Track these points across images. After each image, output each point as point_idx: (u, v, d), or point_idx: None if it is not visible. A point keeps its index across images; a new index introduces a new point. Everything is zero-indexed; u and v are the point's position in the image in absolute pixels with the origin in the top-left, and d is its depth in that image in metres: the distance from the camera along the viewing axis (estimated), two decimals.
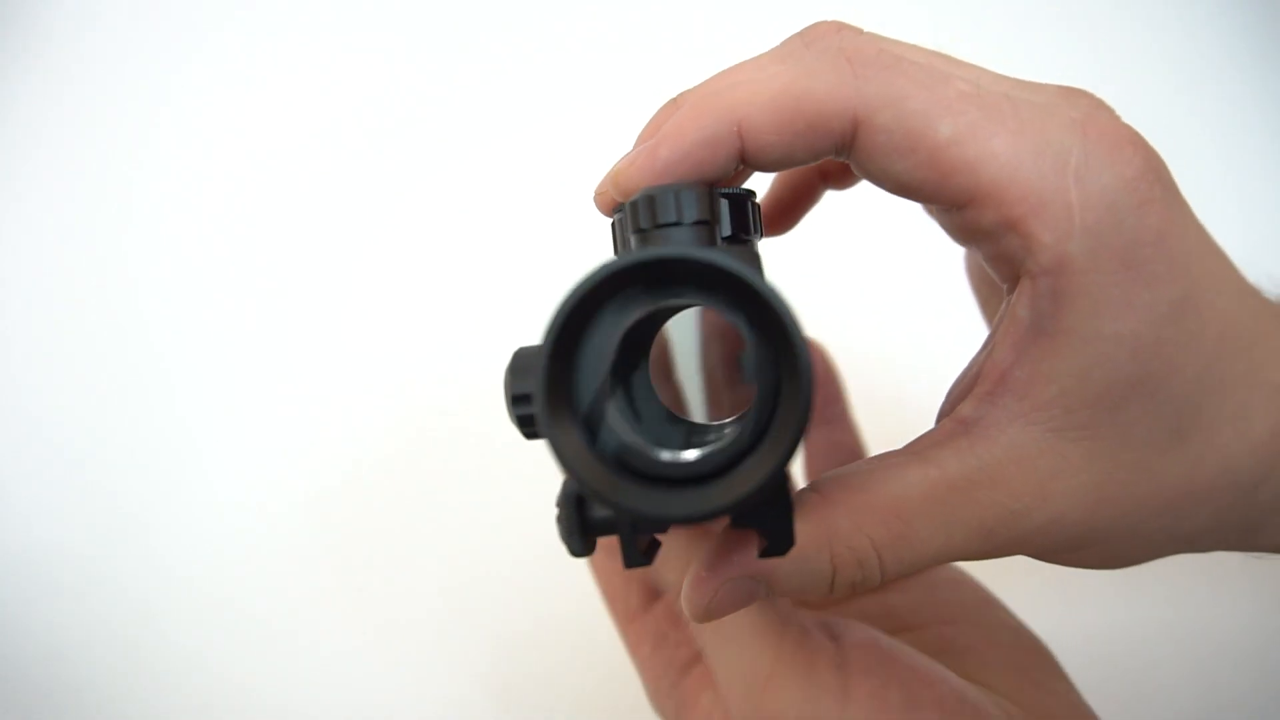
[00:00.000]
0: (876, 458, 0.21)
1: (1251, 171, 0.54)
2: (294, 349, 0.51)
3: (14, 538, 0.46)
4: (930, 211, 0.21)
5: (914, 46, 0.19)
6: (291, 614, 0.44)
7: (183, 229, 0.55)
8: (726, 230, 0.20)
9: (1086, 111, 0.18)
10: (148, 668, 0.43)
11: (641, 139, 0.21)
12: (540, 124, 0.58)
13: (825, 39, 0.19)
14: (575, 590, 0.43)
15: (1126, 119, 0.20)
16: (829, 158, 0.20)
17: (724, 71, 0.20)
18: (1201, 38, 0.59)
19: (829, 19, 0.20)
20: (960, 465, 0.19)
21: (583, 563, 0.35)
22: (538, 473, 0.44)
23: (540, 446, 0.18)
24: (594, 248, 0.51)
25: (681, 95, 0.21)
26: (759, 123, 0.19)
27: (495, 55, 0.58)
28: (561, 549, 0.22)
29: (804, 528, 0.19)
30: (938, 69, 0.18)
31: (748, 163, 0.20)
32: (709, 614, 0.20)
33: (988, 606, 0.27)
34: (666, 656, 0.26)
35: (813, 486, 0.20)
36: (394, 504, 0.46)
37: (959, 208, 0.19)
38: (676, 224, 0.19)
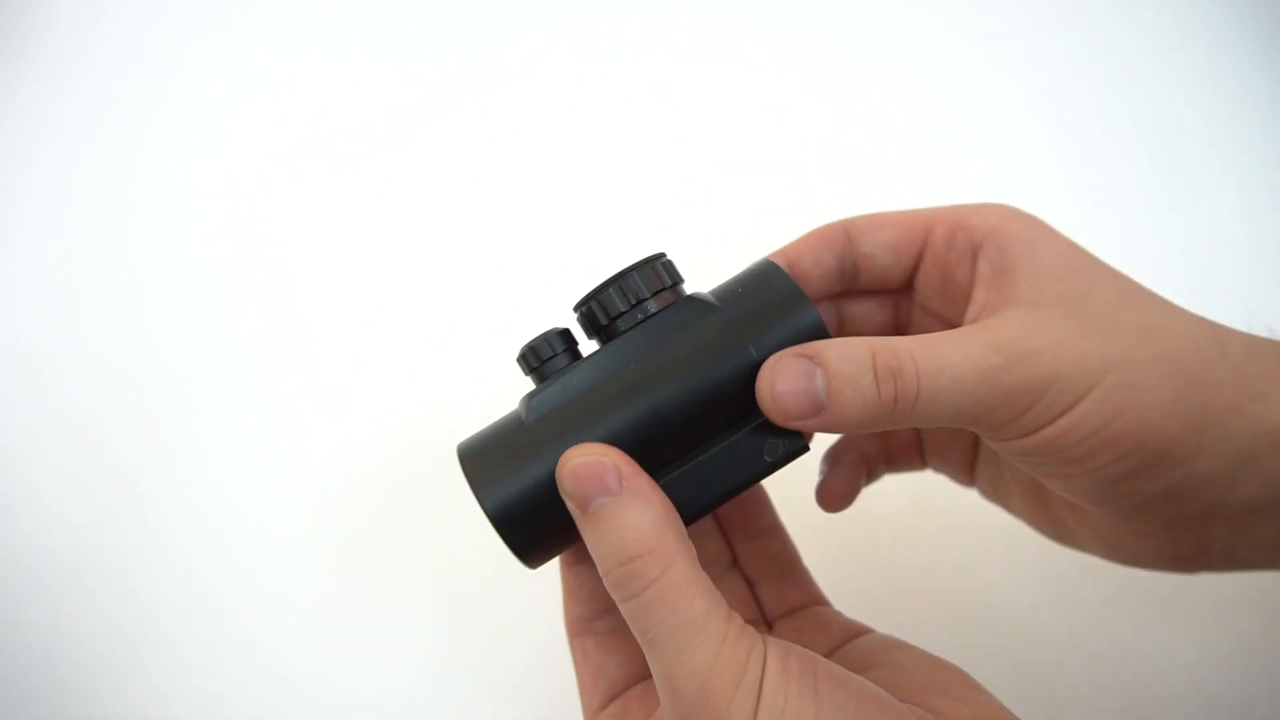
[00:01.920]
0: None
1: (1252, 171, 0.54)
2: (293, 350, 0.51)
3: (14, 538, 0.46)
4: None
5: None
6: (294, 614, 0.44)
7: (189, 230, 0.55)
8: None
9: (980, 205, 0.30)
10: (148, 668, 0.43)
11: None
12: (540, 130, 0.57)
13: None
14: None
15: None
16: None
17: None
18: (1202, 38, 0.59)
19: None
20: (970, 326, 0.26)
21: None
22: None
23: None
24: (594, 250, 0.52)
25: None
26: (795, 250, 0.31)
27: (504, 64, 0.58)
28: None
29: (843, 338, 0.25)
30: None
31: (859, 265, 0.31)
32: (772, 383, 0.25)
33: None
34: (607, 675, 0.29)
35: None
36: (397, 504, 0.46)
37: (924, 244, 0.30)
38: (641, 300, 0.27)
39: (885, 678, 0.25)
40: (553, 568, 0.30)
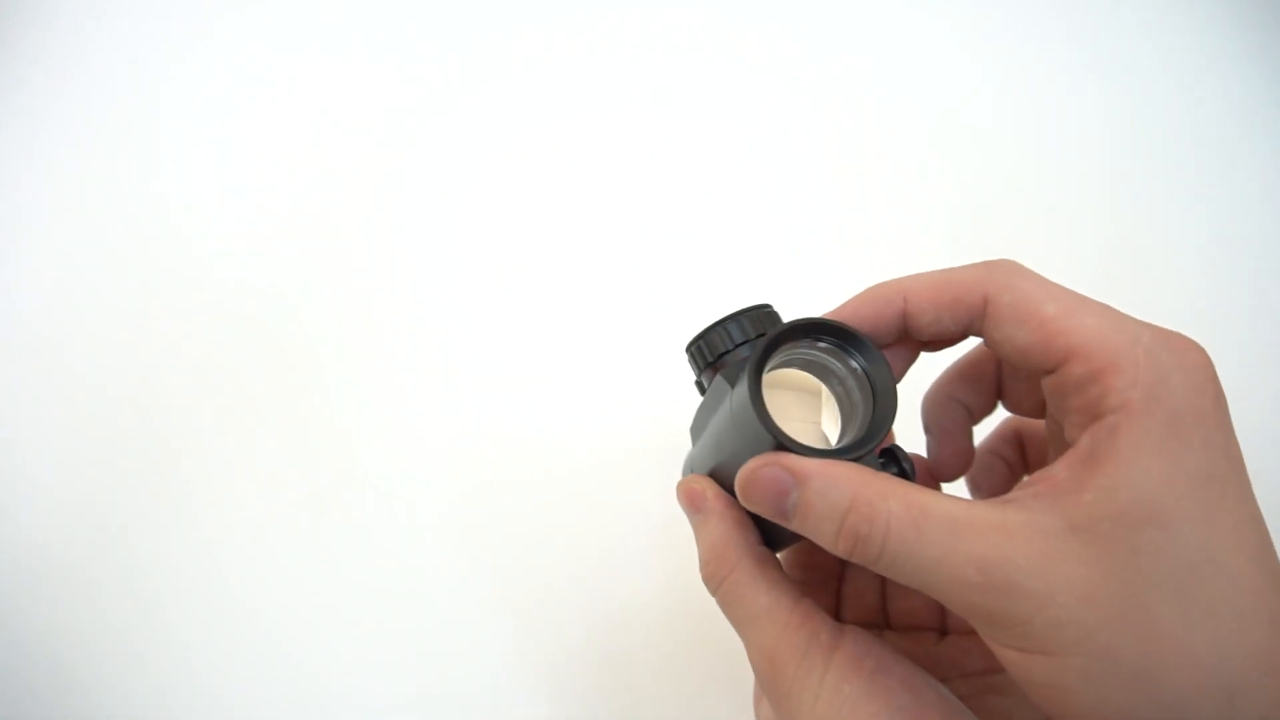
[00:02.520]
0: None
1: (1251, 172, 0.54)
2: (294, 349, 0.51)
3: (14, 537, 0.46)
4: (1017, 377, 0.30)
5: (1042, 275, 0.26)
6: (295, 615, 0.44)
7: (197, 221, 0.55)
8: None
9: (1160, 328, 0.24)
10: (148, 668, 0.43)
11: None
12: (541, 134, 0.58)
13: (984, 261, 0.27)
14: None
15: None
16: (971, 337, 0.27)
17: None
18: (1202, 38, 0.58)
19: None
20: (986, 512, 0.23)
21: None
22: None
23: None
24: (594, 251, 0.52)
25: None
26: (918, 293, 0.27)
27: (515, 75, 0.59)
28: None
29: (846, 472, 0.24)
30: (1051, 281, 0.26)
31: (909, 327, 0.27)
32: (744, 484, 0.25)
33: None
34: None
35: None
36: (396, 504, 0.46)
37: (1057, 367, 0.24)
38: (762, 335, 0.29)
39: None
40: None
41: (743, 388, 0.25)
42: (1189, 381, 0.22)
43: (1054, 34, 0.59)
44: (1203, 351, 0.23)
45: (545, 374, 0.49)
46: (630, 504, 0.44)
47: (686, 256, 0.52)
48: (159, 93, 0.58)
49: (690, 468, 0.32)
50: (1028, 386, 0.30)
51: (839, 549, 0.24)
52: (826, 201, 0.54)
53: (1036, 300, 0.25)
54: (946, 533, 0.22)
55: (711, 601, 0.29)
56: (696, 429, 0.31)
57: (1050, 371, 0.25)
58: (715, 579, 0.28)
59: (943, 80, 0.57)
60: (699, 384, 0.31)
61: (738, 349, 0.29)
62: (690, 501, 0.29)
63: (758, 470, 0.25)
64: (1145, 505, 0.21)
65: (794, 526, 0.25)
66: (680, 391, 0.44)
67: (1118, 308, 0.25)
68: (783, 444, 0.25)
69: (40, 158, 0.56)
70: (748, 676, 0.29)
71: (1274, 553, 0.23)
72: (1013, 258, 0.26)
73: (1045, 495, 0.23)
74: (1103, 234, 0.52)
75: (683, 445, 0.40)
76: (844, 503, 0.23)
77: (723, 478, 0.29)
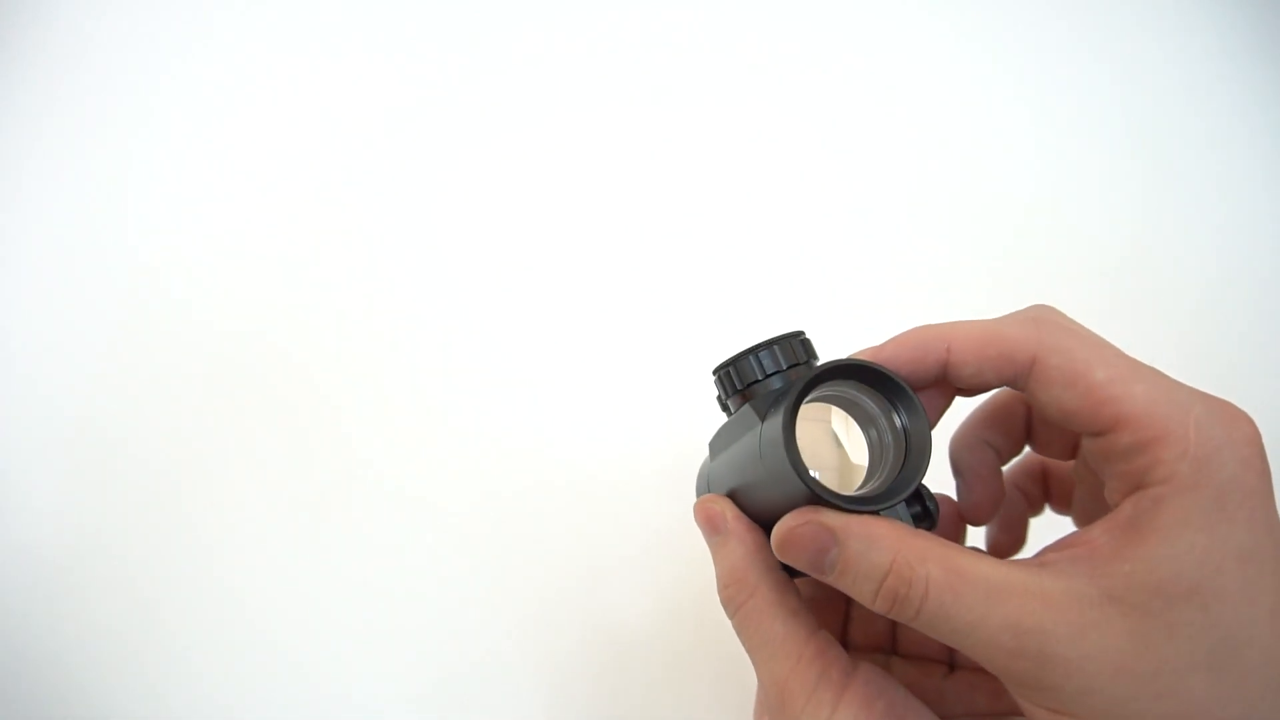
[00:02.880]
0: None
1: (1252, 172, 0.54)
2: (295, 351, 0.51)
3: (15, 537, 0.46)
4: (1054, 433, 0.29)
5: (1089, 330, 0.26)
6: (295, 615, 0.44)
7: (190, 226, 0.55)
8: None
9: (1211, 396, 0.24)
10: (148, 672, 0.43)
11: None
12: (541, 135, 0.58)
13: (1027, 310, 0.27)
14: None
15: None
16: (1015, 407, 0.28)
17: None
18: (1203, 38, 0.59)
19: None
20: (1022, 576, 0.23)
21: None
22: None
23: None
24: (593, 252, 0.52)
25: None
26: (963, 344, 0.26)
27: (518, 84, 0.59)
28: None
29: (885, 530, 0.24)
30: (1100, 339, 0.25)
31: (949, 375, 0.27)
32: (782, 540, 0.25)
33: None
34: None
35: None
36: (393, 503, 0.46)
37: (1103, 433, 0.24)
38: (795, 364, 0.28)
39: None
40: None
41: (775, 429, 0.25)
42: (1238, 456, 0.22)
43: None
44: (1252, 423, 0.23)
45: (548, 380, 0.49)
46: (633, 511, 0.45)
47: (702, 266, 0.53)
48: (148, 93, 0.59)
49: (707, 485, 0.31)
50: (1059, 432, 0.30)
51: (876, 607, 0.24)
52: (858, 220, 0.54)
53: (1086, 364, 0.24)
54: (982, 598, 0.22)
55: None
56: (717, 447, 0.31)
57: (1096, 435, 0.24)
58: (734, 602, 0.28)
59: (978, 111, 0.58)
60: (721, 400, 0.30)
61: (769, 379, 0.28)
62: (709, 522, 0.29)
63: (796, 529, 0.25)
64: (1186, 581, 0.21)
65: (831, 581, 0.25)
66: (687, 403, 0.45)
67: (1164, 370, 0.24)
68: (818, 496, 0.24)
69: (39, 160, 0.57)
70: (746, 685, 0.30)
71: None
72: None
73: (1083, 560, 0.23)
74: (1135, 266, 0.53)
75: (686, 456, 0.40)
76: (884, 564, 0.23)
77: (743, 501, 0.29)
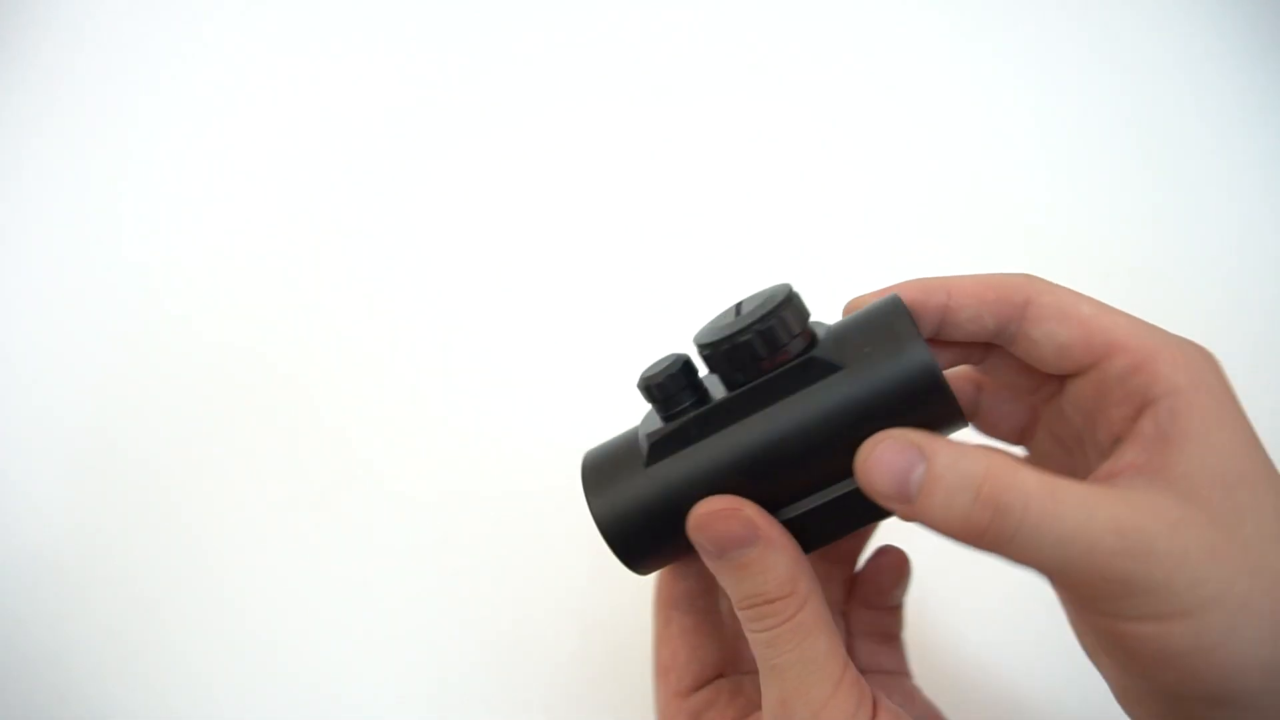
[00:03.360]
0: None
1: (1251, 172, 0.55)
2: (294, 351, 0.51)
3: (16, 537, 0.46)
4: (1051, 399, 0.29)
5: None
6: (296, 615, 0.44)
7: (189, 228, 0.55)
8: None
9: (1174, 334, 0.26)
10: (147, 673, 0.43)
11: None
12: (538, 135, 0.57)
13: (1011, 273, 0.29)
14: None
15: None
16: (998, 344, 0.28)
17: None
18: (1202, 39, 0.59)
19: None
20: (1104, 487, 0.24)
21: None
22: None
23: None
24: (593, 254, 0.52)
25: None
26: (961, 288, 0.28)
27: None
28: None
29: (970, 445, 0.24)
30: (1075, 290, 0.28)
31: (947, 321, 0.28)
32: (864, 466, 0.24)
33: None
34: (702, 657, 0.31)
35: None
36: (392, 503, 0.46)
37: (1098, 361, 0.26)
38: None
39: None
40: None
41: (915, 359, 0.25)
42: (1213, 368, 0.25)
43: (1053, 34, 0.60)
44: (1208, 350, 0.26)
45: (550, 379, 0.49)
46: None
47: (702, 264, 0.53)
48: (145, 94, 0.58)
49: (681, 493, 0.27)
50: (1012, 409, 0.31)
51: (972, 521, 0.23)
52: (859, 223, 0.55)
53: (1074, 302, 0.27)
54: (1082, 502, 0.22)
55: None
56: (692, 435, 0.27)
57: (1085, 369, 0.26)
58: (780, 615, 0.25)
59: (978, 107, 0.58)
60: (725, 379, 0.27)
61: (793, 340, 0.26)
62: (728, 535, 0.26)
63: (879, 450, 0.24)
64: (1233, 470, 0.23)
65: (914, 507, 0.24)
66: None
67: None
68: (948, 401, 0.24)
69: (37, 163, 0.56)
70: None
71: None
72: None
73: (1139, 475, 0.24)
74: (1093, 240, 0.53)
75: None
76: (979, 471, 0.23)
77: (768, 487, 0.26)
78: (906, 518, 0.24)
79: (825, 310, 0.48)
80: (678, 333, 0.51)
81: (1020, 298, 0.27)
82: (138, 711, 0.42)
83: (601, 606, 0.43)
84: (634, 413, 0.33)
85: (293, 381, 0.50)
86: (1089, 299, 0.27)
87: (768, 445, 0.26)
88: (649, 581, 0.44)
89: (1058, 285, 0.27)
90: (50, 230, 0.55)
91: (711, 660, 0.31)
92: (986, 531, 0.23)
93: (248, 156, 0.57)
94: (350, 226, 0.55)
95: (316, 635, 0.43)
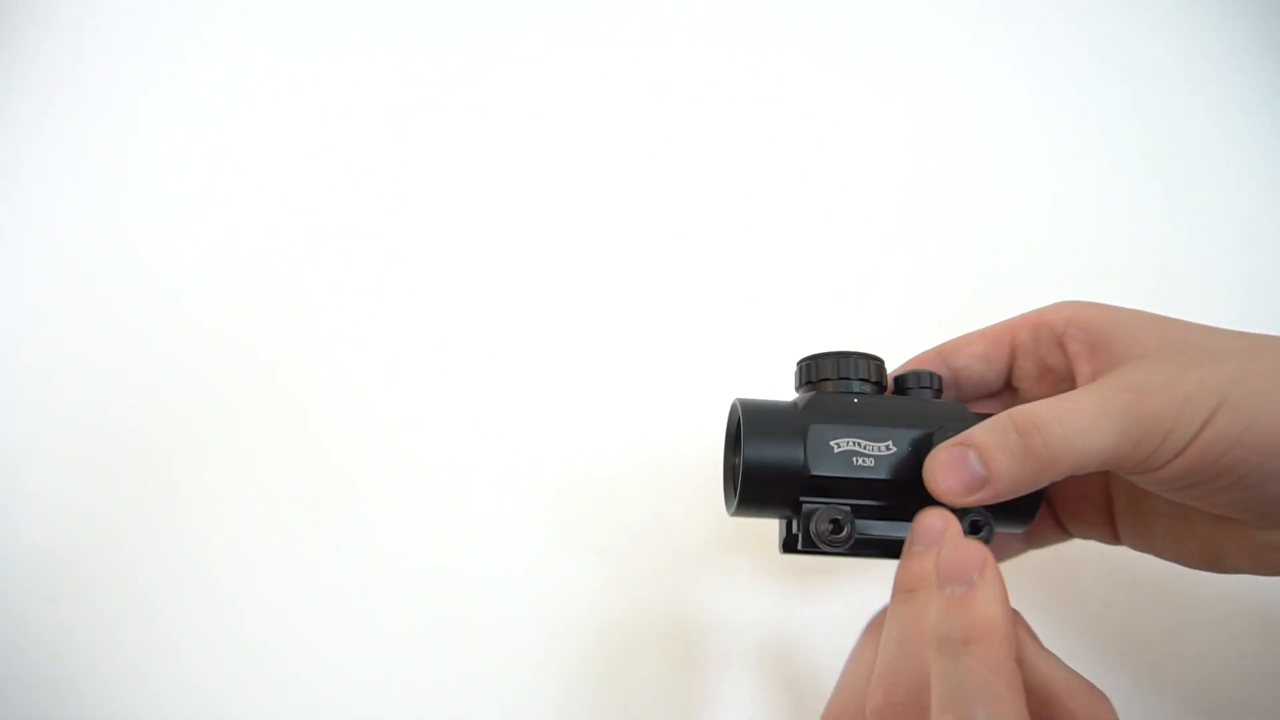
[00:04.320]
0: None
1: (1251, 171, 0.55)
2: (296, 349, 0.50)
3: (14, 541, 0.45)
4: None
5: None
6: (297, 615, 0.43)
7: (189, 225, 0.55)
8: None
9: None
10: (147, 673, 0.42)
11: None
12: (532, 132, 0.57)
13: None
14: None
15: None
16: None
17: None
18: (1202, 38, 0.59)
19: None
20: (1093, 384, 0.29)
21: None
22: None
23: None
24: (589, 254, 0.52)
25: None
26: (953, 343, 0.35)
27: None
28: None
29: (986, 419, 0.29)
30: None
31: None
32: (935, 472, 0.28)
33: None
34: None
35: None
36: (391, 502, 0.46)
37: (1031, 339, 0.33)
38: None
39: None
40: None
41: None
42: (1100, 306, 0.31)
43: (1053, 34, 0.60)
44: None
45: (553, 377, 0.49)
46: (636, 509, 0.45)
47: (702, 264, 0.52)
48: (144, 89, 0.58)
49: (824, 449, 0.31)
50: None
51: (1030, 449, 0.27)
52: (861, 225, 0.54)
53: (973, 332, 0.34)
54: (1083, 392, 0.28)
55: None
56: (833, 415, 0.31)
57: (1010, 358, 0.34)
58: (1008, 649, 0.25)
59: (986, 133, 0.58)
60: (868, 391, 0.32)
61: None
62: (964, 569, 0.26)
63: (938, 459, 0.29)
64: (1153, 331, 0.29)
65: (992, 480, 0.27)
66: (693, 402, 0.45)
67: None
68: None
69: (36, 158, 0.56)
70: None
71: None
72: None
73: (1102, 368, 0.29)
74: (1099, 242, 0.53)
75: (688, 454, 0.40)
76: (1005, 420, 0.28)
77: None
78: (987, 501, 0.28)
79: (825, 307, 0.48)
80: (680, 334, 0.51)
81: (932, 357, 0.34)
82: (138, 709, 0.42)
83: (607, 607, 0.43)
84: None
85: (298, 376, 0.49)
86: (985, 327, 0.34)
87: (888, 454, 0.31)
88: (654, 585, 0.44)
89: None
90: (50, 227, 0.55)
91: None
92: (1046, 449, 0.27)
93: (248, 155, 0.57)
94: (351, 226, 0.54)
95: (317, 634, 0.43)
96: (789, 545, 0.32)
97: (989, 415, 0.29)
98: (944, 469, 0.28)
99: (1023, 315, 0.33)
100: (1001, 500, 0.28)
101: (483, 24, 0.60)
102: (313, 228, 0.54)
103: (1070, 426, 0.26)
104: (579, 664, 0.42)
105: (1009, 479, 0.27)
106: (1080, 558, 0.39)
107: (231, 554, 0.45)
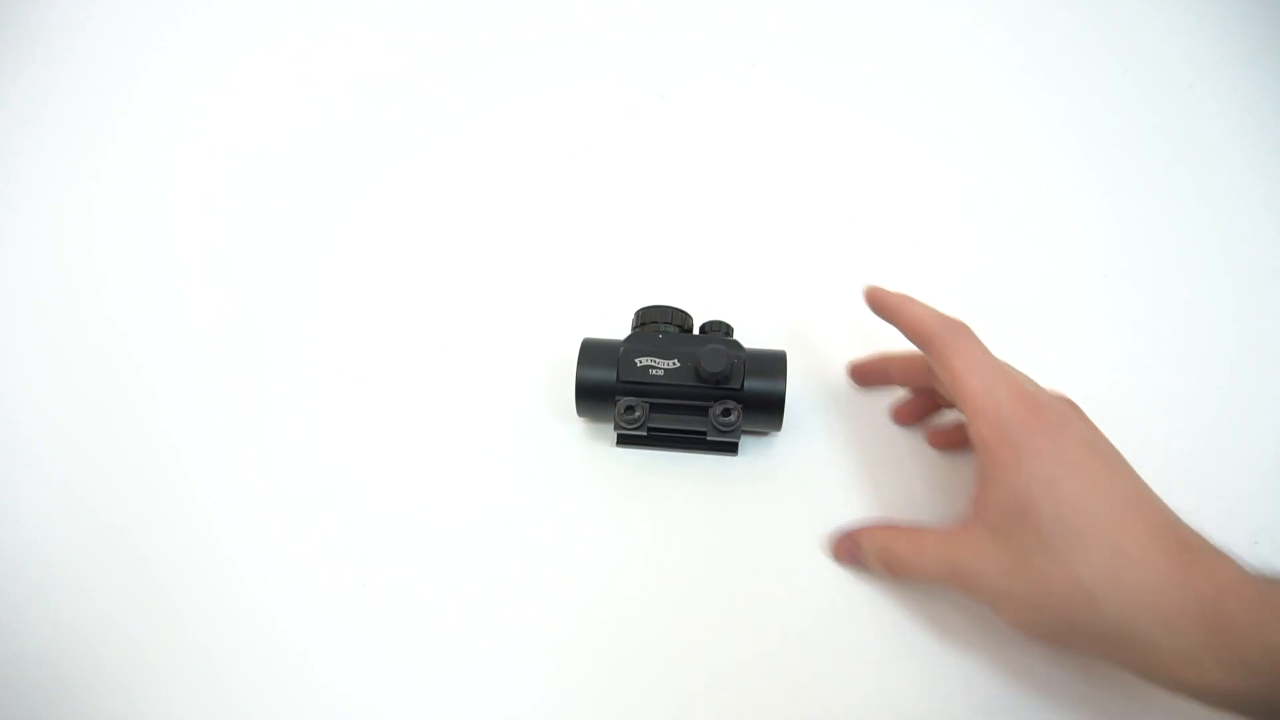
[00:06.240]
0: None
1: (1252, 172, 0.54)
2: (285, 346, 0.51)
3: (18, 538, 0.46)
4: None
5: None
6: (297, 615, 0.43)
7: (189, 222, 0.55)
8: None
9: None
10: (153, 669, 0.43)
11: None
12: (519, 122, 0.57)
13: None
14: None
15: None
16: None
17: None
18: (1202, 37, 0.59)
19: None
20: (949, 533, 0.39)
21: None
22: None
23: None
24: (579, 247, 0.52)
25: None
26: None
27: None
28: None
29: (877, 530, 0.42)
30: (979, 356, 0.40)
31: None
32: (836, 549, 0.43)
33: None
34: None
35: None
36: (390, 502, 0.46)
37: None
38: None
39: None
40: None
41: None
42: (1018, 418, 0.36)
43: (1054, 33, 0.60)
44: (1018, 404, 0.36)
45: (549, 365, 0.49)
46: (636, 508, 0.45)
47: (703, 260, 0.53)
48: (144, 88, 0.59)
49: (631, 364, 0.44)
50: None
51: (887, 575, 0.41)
52: (862, 227, 0.54)
53: (952, 362, 0.39)
54: (934, 550, 0.38)
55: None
56: (639, 348, 0.44)
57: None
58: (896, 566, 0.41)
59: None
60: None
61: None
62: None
63: (839, 541, 0.43)
64: (1012, 506, 0.35)
65: (865, 569, 0.42)
66: None
67: None
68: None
69: (33, 155, 0.57)
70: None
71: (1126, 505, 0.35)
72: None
73: (975, 509, 0.37)
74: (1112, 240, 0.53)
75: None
76: (878, 552, 0.41)
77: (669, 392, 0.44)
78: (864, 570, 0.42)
79: (823, 305, 0.48)
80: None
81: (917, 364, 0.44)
82: (140, 708, 0.42)
83: (609, 608, 0.43)
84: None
85: (304, 371, 0.50)
86: (972, 358, 0.38)
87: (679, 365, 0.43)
88: (653, 582, 0.44)
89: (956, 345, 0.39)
90: (52, 224, 0.55)
91: None
92: (895, 578, 0.41)
93: (248, 156, 0.57)
94: (349, 216, 0.55)
95: (319, 634, 0.43)
96: (619, 441, 0.46)
97: (744, 349, 0.43)
98: (839, 545, 0.43)
99: (962, 392, 0.37)
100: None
101: (483, 11, 0.60)
102: (313, 222, 0.55)
103: (913, 572, 0.39)
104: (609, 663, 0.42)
105: (872, 574, 0.42)
106: None
107: (233, 551, 0.45)
